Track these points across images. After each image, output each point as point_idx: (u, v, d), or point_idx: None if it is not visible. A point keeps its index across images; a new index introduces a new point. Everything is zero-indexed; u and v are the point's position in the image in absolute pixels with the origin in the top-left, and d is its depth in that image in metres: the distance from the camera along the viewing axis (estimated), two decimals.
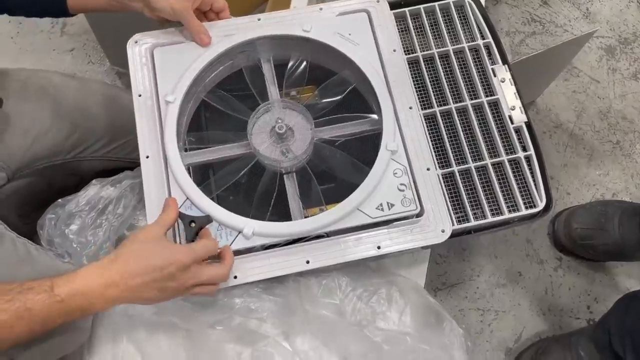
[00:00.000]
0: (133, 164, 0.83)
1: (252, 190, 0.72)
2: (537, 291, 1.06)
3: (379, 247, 0.65)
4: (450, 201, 0.69)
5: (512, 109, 0.75)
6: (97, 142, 0.84)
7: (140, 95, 0.71)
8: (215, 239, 0.62)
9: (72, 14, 0.70)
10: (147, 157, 0.68)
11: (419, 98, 0.75)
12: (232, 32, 0.74)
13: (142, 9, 0.68)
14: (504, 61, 0.78)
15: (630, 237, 1.02)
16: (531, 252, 1.10)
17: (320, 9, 0.78)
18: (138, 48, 0.74)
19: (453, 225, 0.67)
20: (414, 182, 0.68)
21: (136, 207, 0.76)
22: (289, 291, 0.69)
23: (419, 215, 0.66)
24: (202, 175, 0.77)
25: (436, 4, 0.82)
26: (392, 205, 0.66)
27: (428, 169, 0.69)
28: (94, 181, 0.76)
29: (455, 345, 0.64)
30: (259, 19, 0.76)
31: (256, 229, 0.63)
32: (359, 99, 0.78)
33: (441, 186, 0.69)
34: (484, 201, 0.70)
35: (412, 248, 0.66)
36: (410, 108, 0.72)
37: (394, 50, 0.76)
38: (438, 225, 0.66)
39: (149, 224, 0.59)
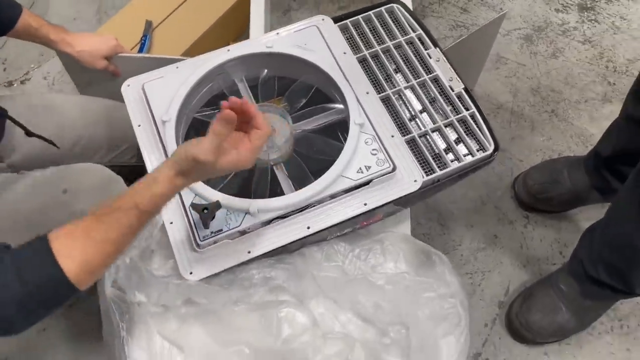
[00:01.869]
0: (136, 168, 0.97)
1: (248, 188, 0.83)
2: (514, 248, 1.18)
3: (365, 204, 0.77)
4: (416, 159, 0.82)
5: (451, 80, 0.90)
6: (100, 149, 0.97)
7: (139, 125, 0.83)
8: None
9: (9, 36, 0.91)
10: None
11: (373, 86, 0.89)
12: (207, 61, 0.88)
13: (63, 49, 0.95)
14: (435, 45, 0.94)
15: (580, 183, 1.17)
16: (501, 215, 1.22)
17: (277, 33, 0.93)
18: (131, 89, 0.86)
19: (423, 177, 0.80)
20: (383, 146, 0.80)
21: None
22: (296, 260, 0.78)
23: (392, 171, 0.78)
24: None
25: (371, 12, 0.98)
26: (369, 167, 0.78)
27: (392, 136, 0.82)
28: None
29: (446, 272, 0.74)
30: (228, 50, 0.90)
31: (260, 206, 0.74)
32: (323, 97, 0.91)
33: (406, 147, 0.82)
34: (444, 154, 0.83)
35: (393, 199, 0.77)
36: (367, 93, 0.86)
37: (344, 53, 0.90)
38: (410, 177, 0.79)
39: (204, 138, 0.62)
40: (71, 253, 0.55)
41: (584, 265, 1.00)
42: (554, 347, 1.08)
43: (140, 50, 1.25)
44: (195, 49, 1.28)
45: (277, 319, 0.74)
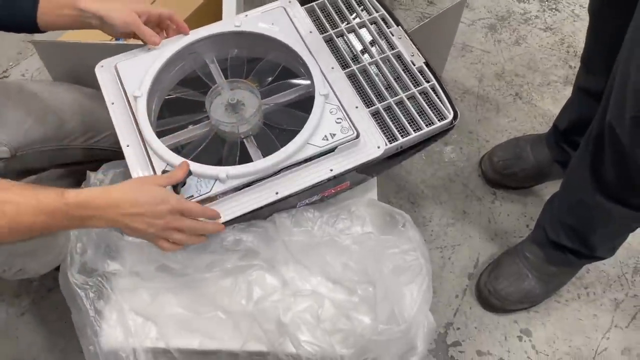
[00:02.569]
0: (116, 153, 0.98)
1: (218, 159, 0.86)
2: (482, 222, 1.23)
3: (331, 170, 0.80)
4: (381, 130, 0.86)
5: (412, 55, 0.95)
6: (82, 134, 0.98)
7: (113, 103, 0.86)
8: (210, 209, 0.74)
9: (42, 30, 0.85)
10: (128, 145, 0.82)
11: (340, 64, 0.93)
12: (178, 40, 0.91)
13: (99, 25, 0.84)
14: (397, 24, 0.99)
15: (542, 158, 1.22)
16: (469, 192, 1.27)
17: (246, 15, 0.97)
18: (104, 70, 0.89)
19: (386, 145, 0.84)
20: (348, 116, 0.84)
21: None
22: (267, 226, 0.82)
23: (356, 138, 0.82)
24: None
25: None
26: (334, 134, 0.82)
27: (357, 107, 0.86)
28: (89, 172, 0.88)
29: (408, 227, 0.78)
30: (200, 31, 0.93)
31: (229, 172, 0.77)
32: (292, 76, 0.95)
33: (370, 117, 0.86)
34: (406, 123, 0.87)
35: (358, 165, 0.81)
36: (332, 68, 0.90)
37: (310, 32, 0.94)
38: (374, 144, 0.83)
39: (157, 174, 0.71)
40: None
41: (546, 232, 1.05)
42: (522, 314, 1.12)
43: (118, 40, 1.28)
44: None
45: (247, 283, 0.77)
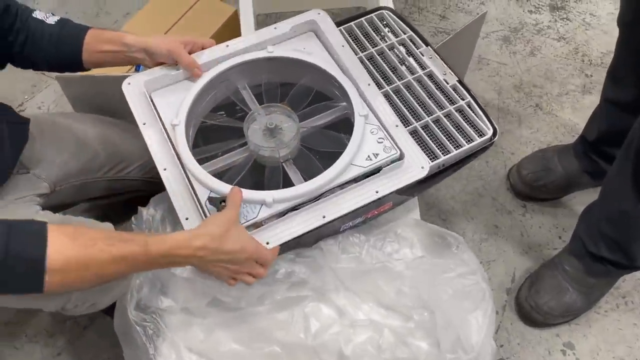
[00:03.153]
0: (146, 183, 0.99)
1: (260, 185, 0.85)
2: (515, 236, 1.22)
3: (377, 192, 0.79)
4: (420, 148, 0.85)
5: (444, 74, 0.94)
6: (114, 166, 0.98)
7: (144, 124, 0.84)
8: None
9: (87, 68, 0.84)
10: (165, 169, 0.80)
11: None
12: (209, 67, 0.90)
13: (143, 58, 0.83)
14: (427, 44, 0.98)
15: (571, 168, 1.21)
16: (499, 206, 1.26)
17: (275, 27, 0.96)
18: (132, 87, 0.87)
19: (429, 163, 0.83)
20: (389, 135, 0.83)
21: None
22: (315, 254, 0.80)
23: (400, 158, 0.81)
24: None
25: (362, 19, 1.02)
26: (377, 154, 0.81)
27: (397, 126, 0.85)
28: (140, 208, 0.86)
29: (462, 250, 0.77)
30: (227, 45, 0.92)
31: (275, 196, 0.76)
32: (325, 99, 0.94)
33: (410, 137, 0.85)
34: (446, 141, 0.86)
35: (403, 186, 0.80)
36: (369, 84, 0.89)
37: (343, 46, 0.94)
38: (417, 164, 0.82)
39: (226, 209, 0.70)
40: (63, 251, 0.56)
41: (584, 244, 1.04)
42: (564, 327, 1.11)
43: (137, 70, 1.27)
44: None
45: (303, 315, 0.75)
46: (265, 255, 0.72)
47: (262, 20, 1.58)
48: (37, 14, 0.82)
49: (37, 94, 1.49)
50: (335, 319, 0.74)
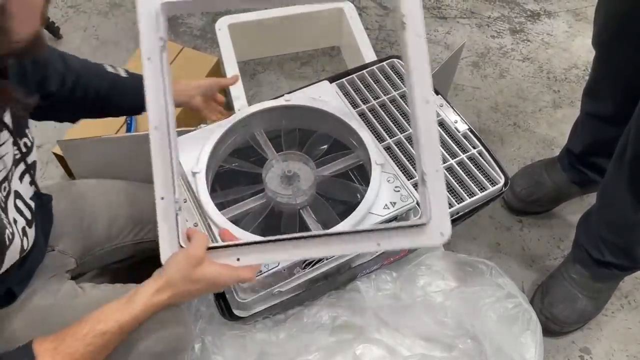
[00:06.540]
0: None
1: (277, 232, 0.86)
2: (517, 251, 1.27)
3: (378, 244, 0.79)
4: None
5: (455, 122, 0.99)
6: (132, 229, 0.97)
7: None
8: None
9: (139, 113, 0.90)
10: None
11: (377, 138, 0.94)
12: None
13: (186, 104, 0.93)
14: (437, 93, 1.03)
15: (559, 181, 1.29)
16: (497, 224, 1.32)
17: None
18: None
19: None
20: (405, 184, 0.86)
21: None
22: (353, 296, 0.82)
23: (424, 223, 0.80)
24: None
25: (374, 67, 1.05)
26: (394, 203, 0.83)
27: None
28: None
29: (495, 275, 0.80)
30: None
31: None
32: (340, 147, 0.97)
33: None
34: (460, 189, 0.90)
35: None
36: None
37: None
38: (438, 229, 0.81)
39: (189, 247, 0.66)
40: None
41: (588, 251, 1.10)
42: (577, 334, 1.16)
43: (129, 130, 1.27)
44: (178, 122, 1.31)
45: (356, 357, 0.76)
46: (242, 278, 0.67)
47: (241, 68, 1.61)
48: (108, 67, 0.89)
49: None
50: (386, 357, 0.76)
